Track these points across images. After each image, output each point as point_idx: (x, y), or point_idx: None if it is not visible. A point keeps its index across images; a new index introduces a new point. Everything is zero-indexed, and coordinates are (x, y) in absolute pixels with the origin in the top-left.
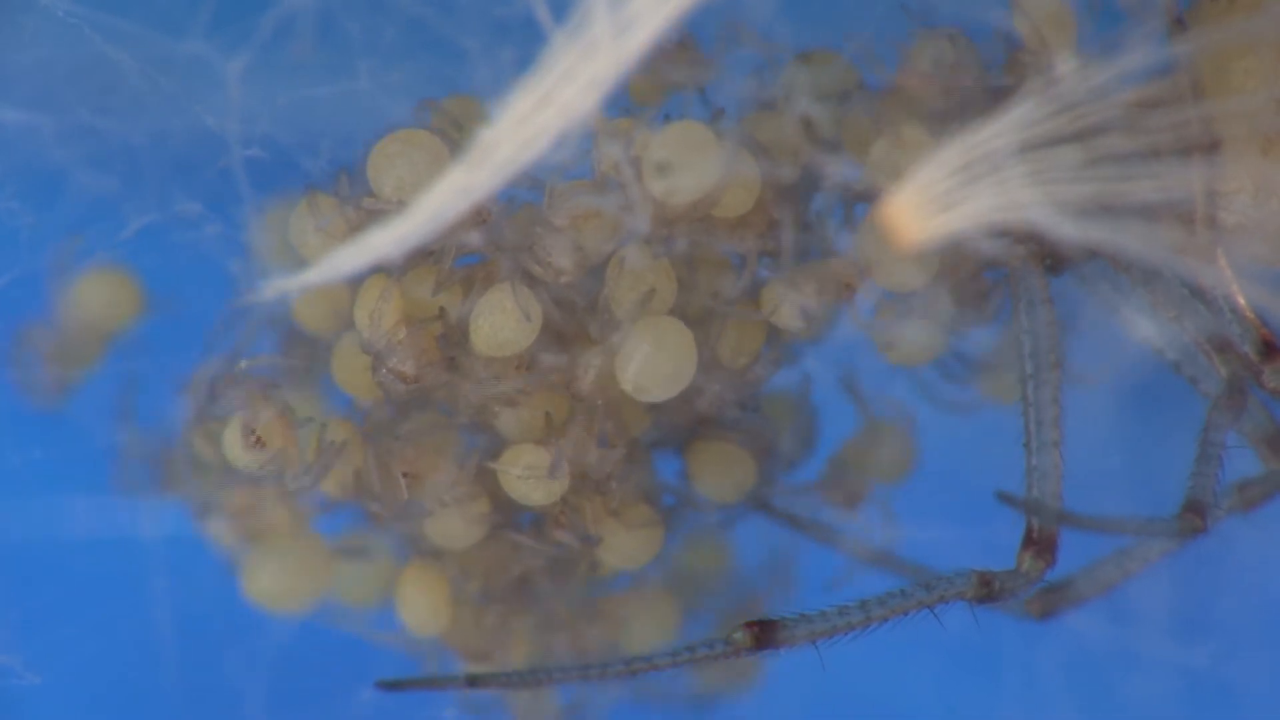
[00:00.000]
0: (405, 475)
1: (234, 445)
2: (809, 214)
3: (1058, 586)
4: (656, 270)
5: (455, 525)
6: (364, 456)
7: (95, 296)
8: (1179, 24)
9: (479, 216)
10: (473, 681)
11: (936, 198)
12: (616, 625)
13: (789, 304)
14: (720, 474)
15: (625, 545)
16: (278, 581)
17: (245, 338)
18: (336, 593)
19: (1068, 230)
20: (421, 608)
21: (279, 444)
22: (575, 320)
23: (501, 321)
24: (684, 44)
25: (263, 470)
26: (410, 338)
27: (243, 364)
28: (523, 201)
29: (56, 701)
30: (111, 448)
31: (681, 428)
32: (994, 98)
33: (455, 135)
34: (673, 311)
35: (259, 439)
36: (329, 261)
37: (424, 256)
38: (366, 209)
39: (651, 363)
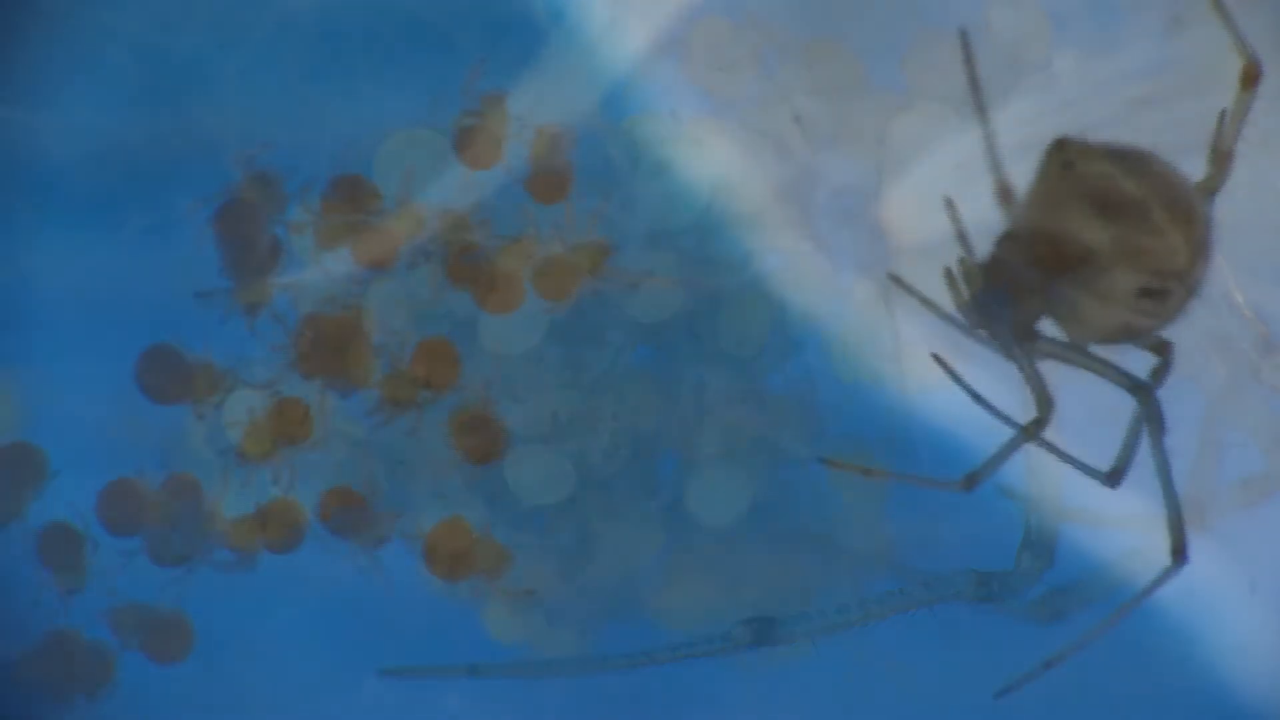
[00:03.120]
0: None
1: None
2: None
3: (1065, 589)
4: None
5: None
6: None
7: None
8: (1176, 22)
9: (480, 215)
10: (475, 670)
11: (934, 196)
12: None
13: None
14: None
15: (620, 544)
16: None
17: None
18: None
19: None
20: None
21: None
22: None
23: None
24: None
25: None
26: (418, 338)
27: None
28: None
29: None
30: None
31: (687, 426)
32: (993, 97)
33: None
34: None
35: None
36: (332, 262)
37: (427, 257)
38: (370, 210)
39: None
